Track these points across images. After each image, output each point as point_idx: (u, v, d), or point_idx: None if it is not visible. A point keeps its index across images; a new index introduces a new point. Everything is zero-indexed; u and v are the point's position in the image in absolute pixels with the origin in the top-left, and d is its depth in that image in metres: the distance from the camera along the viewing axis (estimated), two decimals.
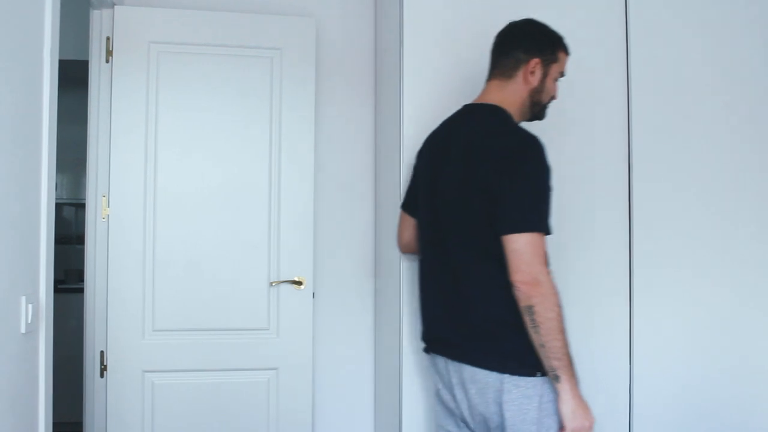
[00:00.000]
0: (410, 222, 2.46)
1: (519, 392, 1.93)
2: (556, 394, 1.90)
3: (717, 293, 2.78)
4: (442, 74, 2.68)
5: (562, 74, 2.23)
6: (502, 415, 1.95)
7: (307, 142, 3.15)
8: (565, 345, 1.88)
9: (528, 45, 2.16)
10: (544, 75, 2.17)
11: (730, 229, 2.81)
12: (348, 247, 3.29)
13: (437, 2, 2.69)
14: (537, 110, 2.22)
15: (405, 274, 2.64)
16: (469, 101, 2.65)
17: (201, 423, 3.04)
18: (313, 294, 3.16)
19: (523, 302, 1.89)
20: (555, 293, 1.89)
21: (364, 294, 3.29)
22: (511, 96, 2.16)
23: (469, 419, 2.08)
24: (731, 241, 2.80)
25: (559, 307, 1.88)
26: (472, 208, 2.02)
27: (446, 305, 2.12)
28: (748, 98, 2.85)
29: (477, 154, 2.05)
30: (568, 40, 2.25)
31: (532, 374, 1.93)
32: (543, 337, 1.87)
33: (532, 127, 2.17)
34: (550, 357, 1.87)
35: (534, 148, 1.99)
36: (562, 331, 1.88)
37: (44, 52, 2.10)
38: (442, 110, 2.66)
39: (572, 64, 2.65)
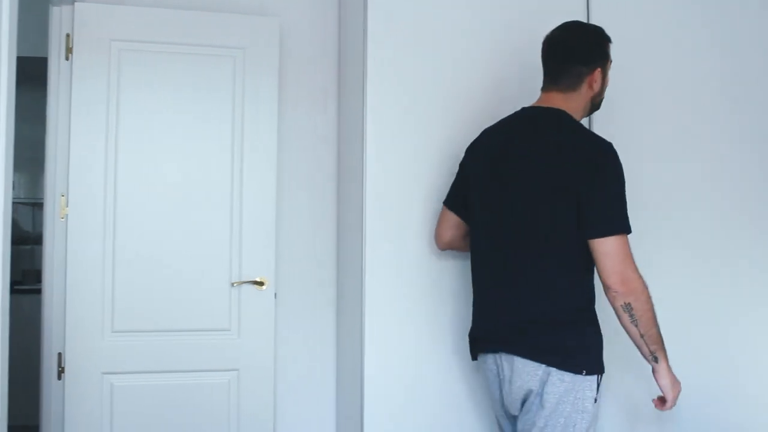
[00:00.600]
0: (454, 220, 2.49)
1: (563, 386, 2.07)
2: (591, 393, 2.09)
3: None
4: (405, 74, 2.69)
5: (611, 62, 2.33)
6: (541, 405, 2.09)
7: (270, 142, 3.14)
8: (659, 331, 2.09)
9: (587, 57, 2.25)
10: (603, 76, 2.29)
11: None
12: (311, 248, 3.28)
13: (401, 2, 2.69)
14: (597, 105, 2.36)
15: (367, 274, 2.64)
16: (432, 99, 2.68)
17: (161, 425, 3.01)
18: (275, 294, 3.15)
19: (618, 302, 2.06)
20: (646, 287, 2.06)
21: (327, 295, 3.28)
22: (575, 103, 2.26)
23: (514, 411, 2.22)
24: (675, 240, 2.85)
25: (650, 298, 2.07)
26: (548, 209, 2.13)
27: (507, 302, 2.20)
28: (711, 96, 2.91)
29: (557, 158, 2.14)
30: (531, 41, 2.37)
31: (578, 372, 2.07)
32: (642, 328, 2.07)
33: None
34: (649, 344, 2.09)
35: (612, 153, 2.13)
36: (656, 319, 2.08)
37: (2, 49, 2.06)
38: (405, 110, 2.68)
39: (537, 64, 2.69)
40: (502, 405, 2.28)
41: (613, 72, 2.38)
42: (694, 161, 2.88)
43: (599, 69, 2.27)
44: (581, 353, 2.10)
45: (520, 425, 2.19)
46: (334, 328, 3.28)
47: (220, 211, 3.09)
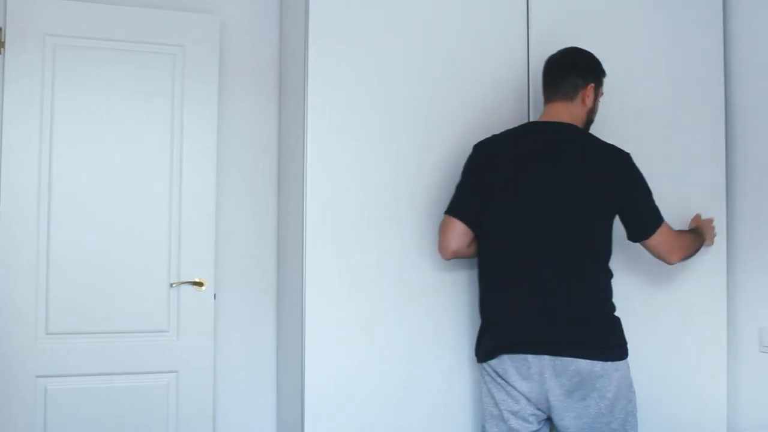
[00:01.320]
0: (461, 229, 2.50)
1: (618, 375, 2.34)
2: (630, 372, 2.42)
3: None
4: (347, 76, 2.68)
5: (602, 93, 2.59)
6: (588, 396, 2.33)
7: (210, 141, 3.11)
8: (693, 242, 2.66)
9: (584, 72, 2.50)
10: (595, 96, 2.53)
11: None
12: (251, 248, 3.26)
13: (343, 2, 2.70)
14: (589, 126, 2.57)
15: (308, 274, 2.63)
16: (374, 100, 2.68)
17: (97, 429, 2.95)
18: (215, 295, 3.12)
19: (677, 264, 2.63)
20: (683, 242, 2.60)
21: (267, 294, 3.27)
22: (576, 114, 2.50)
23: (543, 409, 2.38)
24: None
25: (685, 241, 2.62)
26: (596, 218, 2.39)
27: (557, 303, 2.34)
28: (651, 100, 2.96)
29: (598, 171, 2.39)
30: (471, 40, 2.52)
31: (624, 358, 2.38)
32: (693, 251, 2.66)
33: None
34: (699, 246, 2.70)
35: (631, 158, 2.46)
36: (692, 244, 2.65)
37: None
38: (347, 111, 2.68)
39: (476, 63, 2.73)
40: (531, 404, 2.37)
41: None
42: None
43: (592, 85, 2.51)
44: (623, 343, 2.40)
45: (568, 421, 2.35)
46: (275, 328, 3.27)
47: (158, 210, 3.05)
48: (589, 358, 2.31)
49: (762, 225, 2.98)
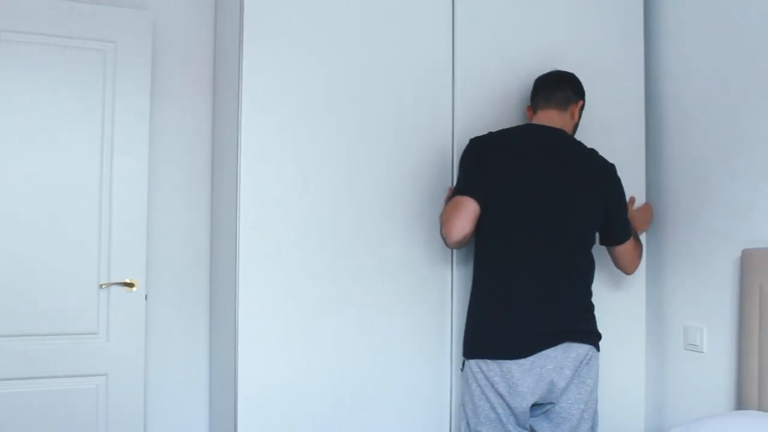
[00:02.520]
0: (476, 209, 2.49)
1: (596, 364, 2.56)
2: None
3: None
4: (282, 74, 2.68)
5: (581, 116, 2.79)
6: (585, 382, 2.51)
7: (141, 139, 3.06)
8: (641, 248, 2.85)
9: (576, 89, 2.71)
10: (580, 115, 2.73)
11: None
12: (183, 248, 3.22)
13: (278, 3, 2.68)
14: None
15: (242, 274, 2.62)
16: (309, 100, 2.70)
17: None
18: (146, 296, 3.07)
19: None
20: (638, 255, 2.82)
21: (200, 296, 3.23)
22: (566, 126, 2.67)
23: (539, 400, 2.49)
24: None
25: (638, 253, 2.81)
26: (587, 217, 2.57)
27: (561, 297, 2.51)
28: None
29: (591, 173, 2.60)
30: (397, 46, 2.75)
31: (599, 349, 2.60)
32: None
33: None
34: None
35: (615, 168, 2.68)
36: (641, 251, 2.84)
37: None
38: (282, 110, 2.68)
39: (402, 70, 2.79)
40: (528, 400, 2.46)
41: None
42: None
43: (581, 102, 2.71)
44: (599, 334, 2.61)
45: (558, 407, 2.49)
46: (208, 329, 3.23)
47: (88, 210, 2.98)
48: (585, 343, 2.51)
49: (686, 227, 3.06)
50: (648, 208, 3.09)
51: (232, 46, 2.83)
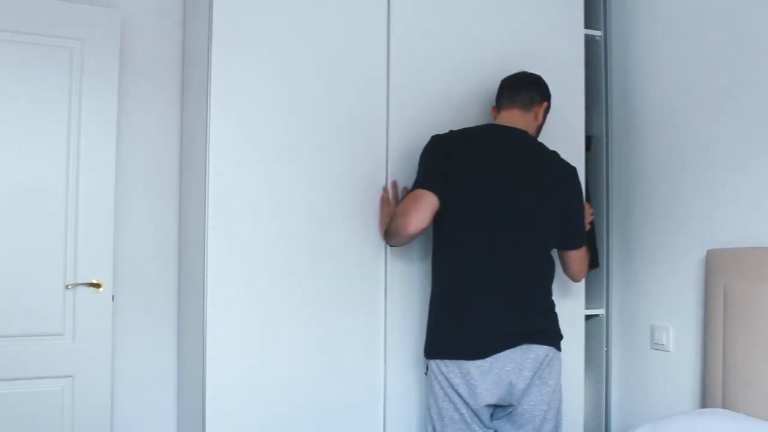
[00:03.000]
0: (435, 202, 2.48)
1: (558, 364, 2.54)
2: None
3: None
4: (250, 76, 2.68)
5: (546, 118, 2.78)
6: (547, 383, 2.49)
7: (109, 139, 3.02)
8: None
9: (541, 90, 2.69)
10: (544, 117, 2.71)
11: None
12: (151, 248, 3.19)
13: (247, 3, 2.67)
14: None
15: (210, 274, 2.61)
16: (278, 100, 2.69)
17: None
18: (113, 297, 3.04)
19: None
20: (586, 264, 2.82)
21: (168, 297, 3.20)
22: (529, 127, 2.65)
23: (499, 401, 2.48)
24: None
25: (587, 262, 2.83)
26: (552, 218, 2.56)
27: (525, 297, 2.51)
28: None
29: (556, 175, 2.60)
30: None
31: (560, 350, 2.58)
32: None
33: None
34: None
35: (578, 171, 2.71)
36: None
37: None
38: (250, 111, 2.68)
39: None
40: (488, 401, 2.45)
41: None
42: None
43: (546, 104, 2.70)
44: (561, 335, 2.60)
45: (520, 409, 2.47)
46: (176, 330, 3.21)
47: (53, 209, 2.93)
48: (544, 344, 2.49)
49: (652, 229, 3.10)
50: (588, 208, 2.99)
51: (200, 46, 2.81)
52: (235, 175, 2.65)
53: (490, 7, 3.04)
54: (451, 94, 2.95)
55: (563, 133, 3.05)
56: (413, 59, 2.90)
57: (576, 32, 3.19)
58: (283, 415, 2.69)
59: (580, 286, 3.12)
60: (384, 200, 2.79)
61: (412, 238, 2.53)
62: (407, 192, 2.61)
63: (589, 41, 3.36)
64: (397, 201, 2.76)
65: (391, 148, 2.85)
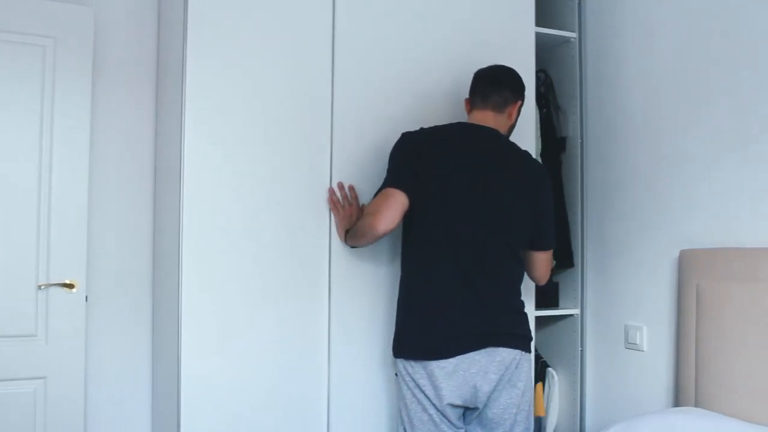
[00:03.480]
0: (404, 201, 2.46)
1: (528, 365, 2.54)
2: None
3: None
4: (225, 77, 2.67)
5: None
6: (516, 386, 2.47)
7: (82, 138, 2.99)
8: None
9: (515, 89, 2.64)
10: (517, 115, 2.68)
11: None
12: (125, 248, 3.16)
13: (221, 3, 2.67)
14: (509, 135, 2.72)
15: (185, 274, 2.60)
16: (252, 100, 2.71)
17: None
18: (87, 297, 3.01)
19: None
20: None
21: (142, 297, 3.18)
22: (501, 126, 2.61)
23: (467, 403, 2.47)
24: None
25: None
26: (521, 220, 2.53)
27: (493, 298, 2.48)
28: (442, 102, 2.98)
29: (529, 175, 2.57)
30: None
31: (530, 351, 2.58)
32: None
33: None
34: None
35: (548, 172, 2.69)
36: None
37: None
38: (225, 109, 2.67)
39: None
40: (458, 405, 2.45)
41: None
42: None
43: (519, 103, 2.66)
44: (531, 337, 2.59)
45: (490, 413, 2.46)
46: (150, 331, 3.18)
47: (25, 208, 2.90)
48: (511, 347, 2.46)
49: (626, 229, 3.12)
50: None
51: (175, 46, 2.79)
52: (211, 175, 2.64)
53: (438, 5, 3.00)
54: (398, 93, 2.92)
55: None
56: (358, 61, 2.86)
57: (527, 29, 3.15)
58: (255, 413, 2.68)
59: (532, 288, 3.10)
60: (334, 203, 2.77)
61: (381, 237, 2.51)
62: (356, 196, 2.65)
63: (563, 43, 3.39)
64: (348, 202, 2.75)
65: (336, 149, 2.82)
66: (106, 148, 3.15)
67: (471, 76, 2.71)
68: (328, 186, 2.80)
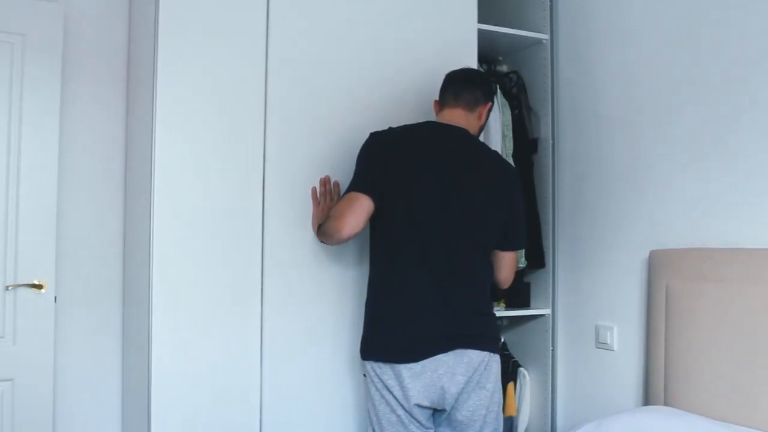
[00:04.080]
0: (369, 205, 2.45)
1: (496, 366, 2.52)
2: None
3: None
4: (196, 76, 2.66)
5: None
6: (485, 387, 2.47)
7: (51, 136, 2.95)
8: None
9: (486, 90, 2.65)
10: (487, 117, 2.68)
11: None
12: (95, 248, 3.13)
13: (193, 2, 2.65)
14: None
15: (155, 275, 2.58)
16: (223, 99, 2.69)
17: None
18: (55, 298, 2.97)
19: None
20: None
21: (112, 298, 3.14)
22: (471, 126, 2.60)
23: (435, 405, 2.46)
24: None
25: None
26: (492, 220, 2.52)
27: (461, 299, 2.46)
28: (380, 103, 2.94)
29: (500, 176, 2.57)
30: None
31: (498, 352, 2.55)
32: None
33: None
34: None
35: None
36: None
37: None
38: (196, 108, 2.66)
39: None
40: (426, 406, 2.44)
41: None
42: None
43: (489, 104, 2.66)
44: (500, 337, 2.59)
45: (460, 415, 2.46)
46: (120, 332, 3.15)
47: None
48: (479, 349, 2.45)
49: (597, 230, 3.15)
50: None
51: (146, 47, 2.77)
52: (182, 176, 2.63)
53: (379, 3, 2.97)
54: (335, 94, 2.87)
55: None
56: (294, 64, 2.81)
57: (470, 25, 3.11)
58: (227, 413, 2.67)
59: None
60: (314, 196, 2.76)
61: (346, 240, 2.53)
62: (339, 191, 2.62)
63: (535, 44, 3.41)
64: (331, 197, 2.75)
65: (269, 153, 2.76)
66: (75, 147, 3.11)
67: (413, 75, 2.79)
68: (261, 191, 2.76)
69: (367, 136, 2.59)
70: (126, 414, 3.06)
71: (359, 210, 2.45)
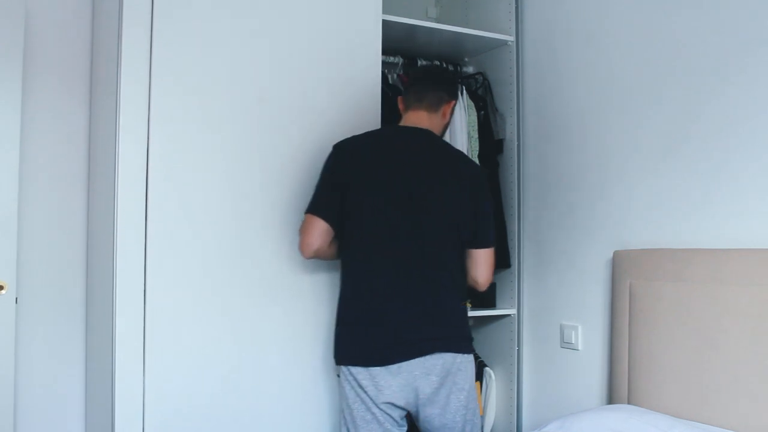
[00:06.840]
0: (324, 228, 2.50)
1: (470, 366, 2.53)
2: None
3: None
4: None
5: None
6: (463, 389, 2.48)
7: (12, 135, 2.89)
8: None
9: (449, 89, 2.68)
10: (451, 115, 2.70)
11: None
12: (57, 249, 3.08)
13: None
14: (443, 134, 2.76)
15: (119, 277, 2.55)
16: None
17: None
18: (17, 300, 2.92)
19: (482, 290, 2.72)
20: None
21: (75, 299, 3.10)
22: (435, 126, 2.63)
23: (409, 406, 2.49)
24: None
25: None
26: (458, 220, 2.51)
27: (426, 306, 2.46)
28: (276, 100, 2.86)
29: (463, 176, 2.56)
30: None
31: (471, 352, 2.56)
32: None
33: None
34: None
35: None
36: None
37: None
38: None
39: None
40: (399, 406, 2.47)
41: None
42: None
43: (454, 102, 2.69)
44: (471, 337, 2.58)
45: (433, 417, 2.47)
46: (84, 334, 3.11)
47: None
48: (452, 351, 2.46)
49: (562, 230, 3.18)
50: None
51: (110, 36, 2.74)
52: (144, 172, 2.60)
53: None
54: (226, 92, 2.78)
55: (361, 121, 2.92)
56: (179, 61, 2.69)
57: (374, 16, 3.01)
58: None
59: None
60: None
61: (313, 258, 2.59)
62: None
63: (501, 45, 3.43)
64: None
65: (151, 159, 2.64)
66: (37, 143, 3.06)
67: (319, 71, 2.82)
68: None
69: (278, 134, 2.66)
70: (89, 416, 3.02)
71: (315, 232, 2.53)
